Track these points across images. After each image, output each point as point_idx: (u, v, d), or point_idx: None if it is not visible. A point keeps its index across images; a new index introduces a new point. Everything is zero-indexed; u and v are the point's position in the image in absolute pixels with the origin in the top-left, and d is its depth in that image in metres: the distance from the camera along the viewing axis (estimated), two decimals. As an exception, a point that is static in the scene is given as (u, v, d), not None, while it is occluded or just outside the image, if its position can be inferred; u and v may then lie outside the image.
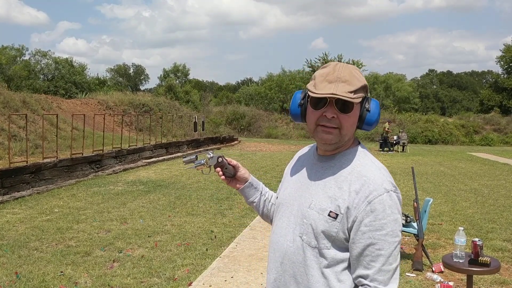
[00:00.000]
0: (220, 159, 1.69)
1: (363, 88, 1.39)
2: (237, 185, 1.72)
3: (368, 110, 1.39)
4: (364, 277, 1.32)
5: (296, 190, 1.49)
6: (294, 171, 1.57)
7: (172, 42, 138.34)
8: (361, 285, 1.33)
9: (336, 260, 1.36)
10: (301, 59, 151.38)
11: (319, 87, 1.36)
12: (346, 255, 1.36)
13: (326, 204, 1.37)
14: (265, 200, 1.73)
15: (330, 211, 1.36)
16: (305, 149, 1.62)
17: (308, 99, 1.42)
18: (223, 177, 1.69)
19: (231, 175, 1.70)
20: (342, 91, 1.33)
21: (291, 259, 1.41)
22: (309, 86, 1.41)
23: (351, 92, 1.34)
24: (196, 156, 1.78)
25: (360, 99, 1.37)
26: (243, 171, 1.71)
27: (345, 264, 1.36)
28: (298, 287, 1.40)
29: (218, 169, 1.69)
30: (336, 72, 1.37)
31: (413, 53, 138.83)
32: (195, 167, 1.75)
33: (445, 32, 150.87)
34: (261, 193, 1.73)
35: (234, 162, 1.71)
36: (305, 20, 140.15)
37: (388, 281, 1.31)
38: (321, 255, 1.36)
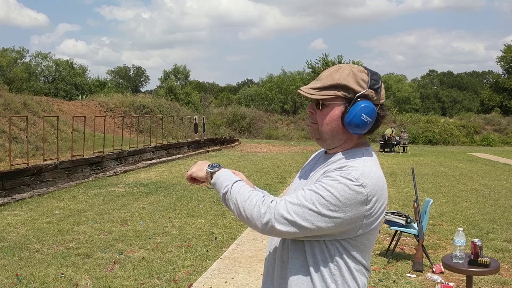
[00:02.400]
0: None
1: (337, 87, 1.39)
2: None
3: (346, 111, 1.40)
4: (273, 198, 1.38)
5: (298, 184, 1.56)
6: (303, 169, 1.62)
7: (171, 44, 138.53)
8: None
9: (316, 253, 1.38)
10: (300, 60, 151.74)
11: None
12: (329, 249, 1.37)
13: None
14: None
15: None
16: (320, 149, 1.66)
17: None
18: None
19: None
20: (306, 87, 1.44)
21: (277, 249, 1.48)
22: None
23: (314, 88, 1.42)
24: None
25: (323, 97, 1.40)
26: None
27: (330, 257, 1.37)
28: (286, 273, 1.43)
29: None
30: (324, 71, 1.45)
31: (412, 53, 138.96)
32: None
33: (444, 33, 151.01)
34: None
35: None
36: (304, 21, 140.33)
37: (279, 211, 1.31)
38: (303, 246, 1.39)
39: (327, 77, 1.42)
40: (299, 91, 1.44)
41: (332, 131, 1.43)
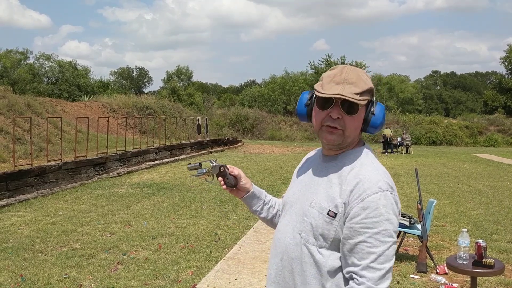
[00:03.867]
0: (222, 169, 1.70)
1: (369, 91, 1.41)
2: (238, 195, 1.74)
3: (373, 113, 1.42)
4: (354, 271, 1.32)
5: (300, 189, 1.53)
6: (300, 172, 1.60)
7: (174, 45, 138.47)
8: (351, 279, 1.33)
9: (333, 259, 1.38)
10: (303, 61, 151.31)
11: (326, 88, 1.40)
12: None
13: (326, 203, 1.39)
14: (269, 208, 1.74)
15: (329, 210, 1.38)
16: (313, 151, 1.65)
17: (315, 99, 1.45)
18: (224, 186, 1.71)
19: (233, 185, 1.71)
20: (348, 92, 1.37)
21: (290, 255, 1.44)
22: (316, 86, 1.45)
23: (357, 93, 1.38)
24: (200, 163, 1.79)
25: (365, 102, 1.40)
26: (244, 181, 1.71)
27: (341, 264, 1.38)
28: (295, 283, 1.42)
29: (220, 178, 1.71)
30: (343, 74, 1.40)
31: (415, 54, 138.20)
32: (197, 175, 1.77)
33: (446, 33, 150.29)
34: (264, 202, 1.74)
35: (236, 172, 1.71)
36: (306, 21, 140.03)
37: (377, 280, 1.30)
38: (319, 253, 1.38)
39: (359, 80, 1.40)
40: (344, 96, 1.36)
41: (356, 135, 1.44)
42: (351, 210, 1.34)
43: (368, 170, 1.38)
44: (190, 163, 1.83)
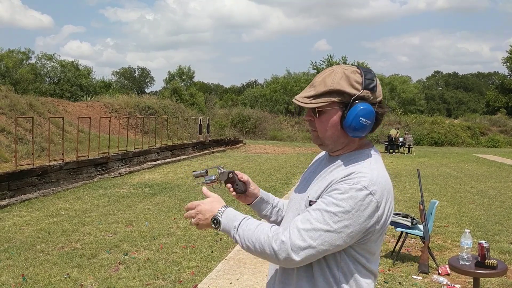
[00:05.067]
0: (230, 175, 1.66)
1: (332, 93, 1.37)
2: (247, 201, 1.72)
3: (344, 116, 1.37)
4: (289, 225, 1.33)
5: (302, 187, 1.54)
6: (307, 171, 1.61)
7: (175, 45, 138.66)
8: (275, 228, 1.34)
9: (321, 260, 1.37)
10: (304, 61, 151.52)
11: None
12: (335, 255, 1.36)
13: (312, 195, 1.40)
14: (278, 211, 1.73)
15: (311, 201, 1.38)
16: (323, 152, 1.63)
17: None
18: (234, 193, 1.68)
19: (242, 191, 1.68)
20: (300, 95, 1.41)
21: None
22: None
23: (308, 97, 1.39)
24: (206, 171, 1.73)
25: (318, 104, 1.37)
26: (253, 187, 1.70)
27: (335, 260, 1.36)
28: (288, 278, 1.42)
29: (229, 185, 1.66)
30: (315, 77, 1.43)
31: (416, 54, 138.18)
32: (206, 182, 1.70)
33: (448, 34, 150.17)
34: (273, 205, 1.73)
35: (245, 177, 1.69)
36: (308, 22, 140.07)
37: (295, 246, 1.28)
38: None
39: (320, 84, 1.39)
40: (294, 100, 1.43)
41: (332, 137, 1.42)
42: (325, 191, 1.35)
43: (362, 167, 1.36)
44: (195, 170, 1.77)
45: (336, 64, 1.60)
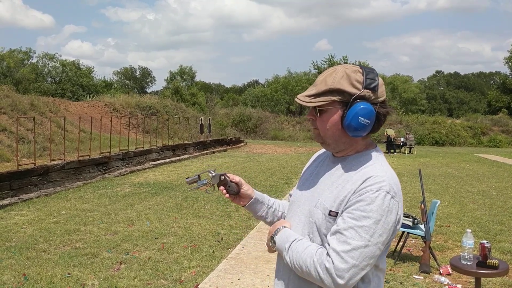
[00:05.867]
0: (222, 177, 1.66)
1: (332, 92, 1.37)
2: (241, 202, 1.71)
3: (343, 116, 1.38)
4: (327, 248, 1.32)
5: (308, 189, 1.52)
6: (309, 171, 1.59)
7: (176, 45, 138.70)
8: (326, 253, 1.32)
9: None
10: (305, 61, 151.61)
11: None
12: None
13: (329, 203, 1.38)
14: (273, 212, 1.72)
15: (331, 211, 1.37)
16: (323, 150, 1.62)
17: None
18: (227, 195, 1.68)
19: (235, 192, 1.68)
20: (302, 94, 1.43)
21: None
22: None
23: (309, 96, 1.41)
24: (199, 176, 1.74)
25: (322, 103, 1.38)
26: (246, 187, 1.69)
27: None
28: (301, 285, 1.41)
29: (222, 187, 1.67)
30: (318, 77, 1.43)
31: (417, 54, 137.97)
32: (198, 187, 1.72)
33: (449, 33, 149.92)
34: (268, 206, 1.72)
35: (236, 178, 1.68)
36: (308, 22, 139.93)
37: (340, 271, 1.27)
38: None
39: (321, 83, 1.40)
40: (295, 99, 1.44)
41: (334, 136, 1.42)
42: (348, 203, 1.34)
43: (376, 170, 1.37)
44: (188, 177, 1.78)
45: (338, 64, 1.60)
